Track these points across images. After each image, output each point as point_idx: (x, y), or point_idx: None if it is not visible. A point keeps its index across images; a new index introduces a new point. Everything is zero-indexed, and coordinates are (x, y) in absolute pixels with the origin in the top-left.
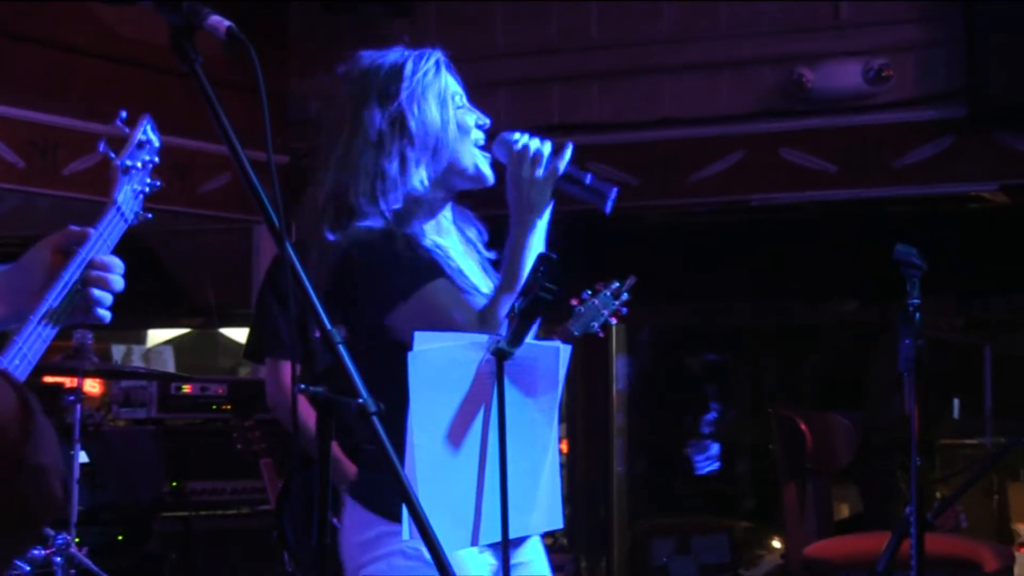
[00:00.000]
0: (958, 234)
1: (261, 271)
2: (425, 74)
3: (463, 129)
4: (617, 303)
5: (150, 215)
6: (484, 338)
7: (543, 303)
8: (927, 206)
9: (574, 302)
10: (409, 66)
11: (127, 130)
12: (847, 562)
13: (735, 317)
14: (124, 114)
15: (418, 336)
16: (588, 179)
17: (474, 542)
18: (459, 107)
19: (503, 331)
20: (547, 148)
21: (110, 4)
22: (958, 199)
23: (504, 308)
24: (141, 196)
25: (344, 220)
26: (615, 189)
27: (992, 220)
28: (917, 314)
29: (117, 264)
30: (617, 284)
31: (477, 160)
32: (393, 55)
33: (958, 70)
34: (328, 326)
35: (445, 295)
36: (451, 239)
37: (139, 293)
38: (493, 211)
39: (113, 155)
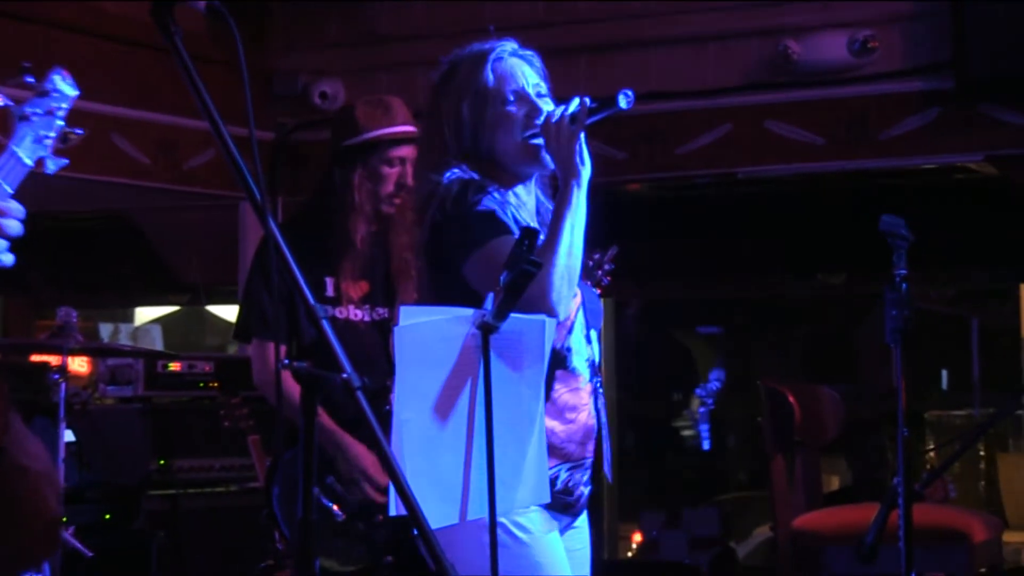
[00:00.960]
0: (945, 206)
1: (248, 248)
2: (465, 77)
3: (503, 126)
4: (599, 273)
5: (66, 160)
6: (470, 312)
7: (529, 276)
8: (914, 178)
9: None
10: (460, 70)
11: (32, 80)
12: (836, 534)
13: (723, 290)
14: (28, 64)
15: (404, 311)
16: (595, 104)
17: (462, 517)
18: (508, 102)
19: (488, 305)
20: (568, 107)
21: None
22: (945, 171)
23: (548, 276)
24: (48, 141)
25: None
26: (622, 92)
27: (979, 191)
28: (904, 285)
29: (15, 208)
30: (599, 255)
31: (523, 150)
32: (461, 55)
33: (944, 41)
34: (311, 301)
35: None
36: (527, 211)
37: (125, 271)
38: None
39: (12, 104)
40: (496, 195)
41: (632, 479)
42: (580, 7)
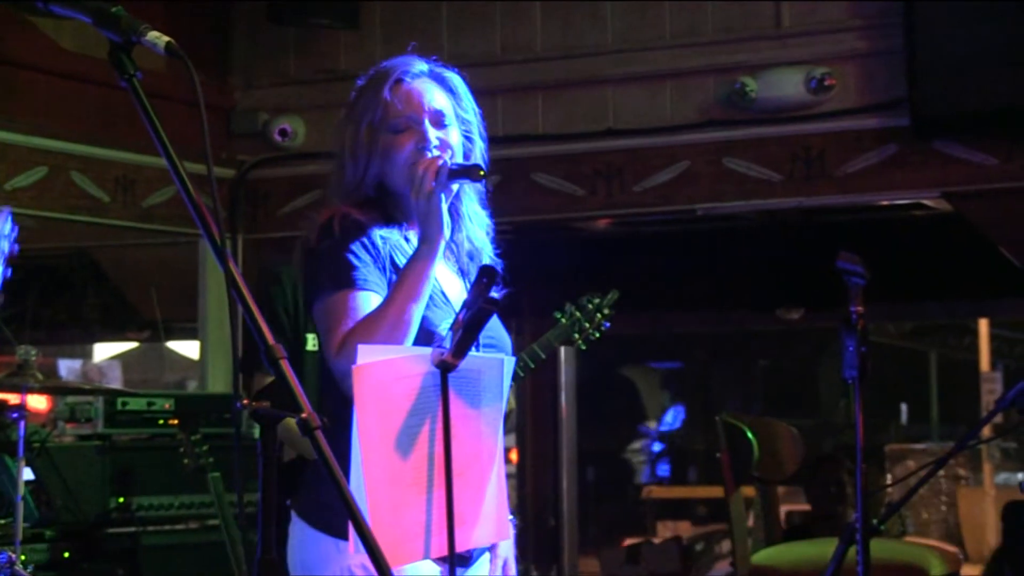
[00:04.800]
0: (902, 241)
1: (208, 285)
2: (360, 101)
3: (390, 156)
4: (598, 317)
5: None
6: (428, 351)
7: (488, 315)
8: (871, 214)
9: (556, 314)
10: (360, 94)
11: None
12: (794, 570)
13: (682, 326)
14: None
15: (361, 348)
16: (457, 168)
17: (425, 555)
18: (397, 130)
19: (447, 343)
20: (435, 165)
21: (52, 18)
22: (901, 207)
23: (367, 330)
24: None
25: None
26: (478, 166)
27: (935, 228)
28: (859, 322)
29: None
30: (599, 299)
31: (405, 182)
32: (365, 78)
33: (899, 78)
34: (271, 341)
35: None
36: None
37: (85, 307)
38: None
39: None
40: (373, 241)
41: (592, 515)
42: (537, 44)
